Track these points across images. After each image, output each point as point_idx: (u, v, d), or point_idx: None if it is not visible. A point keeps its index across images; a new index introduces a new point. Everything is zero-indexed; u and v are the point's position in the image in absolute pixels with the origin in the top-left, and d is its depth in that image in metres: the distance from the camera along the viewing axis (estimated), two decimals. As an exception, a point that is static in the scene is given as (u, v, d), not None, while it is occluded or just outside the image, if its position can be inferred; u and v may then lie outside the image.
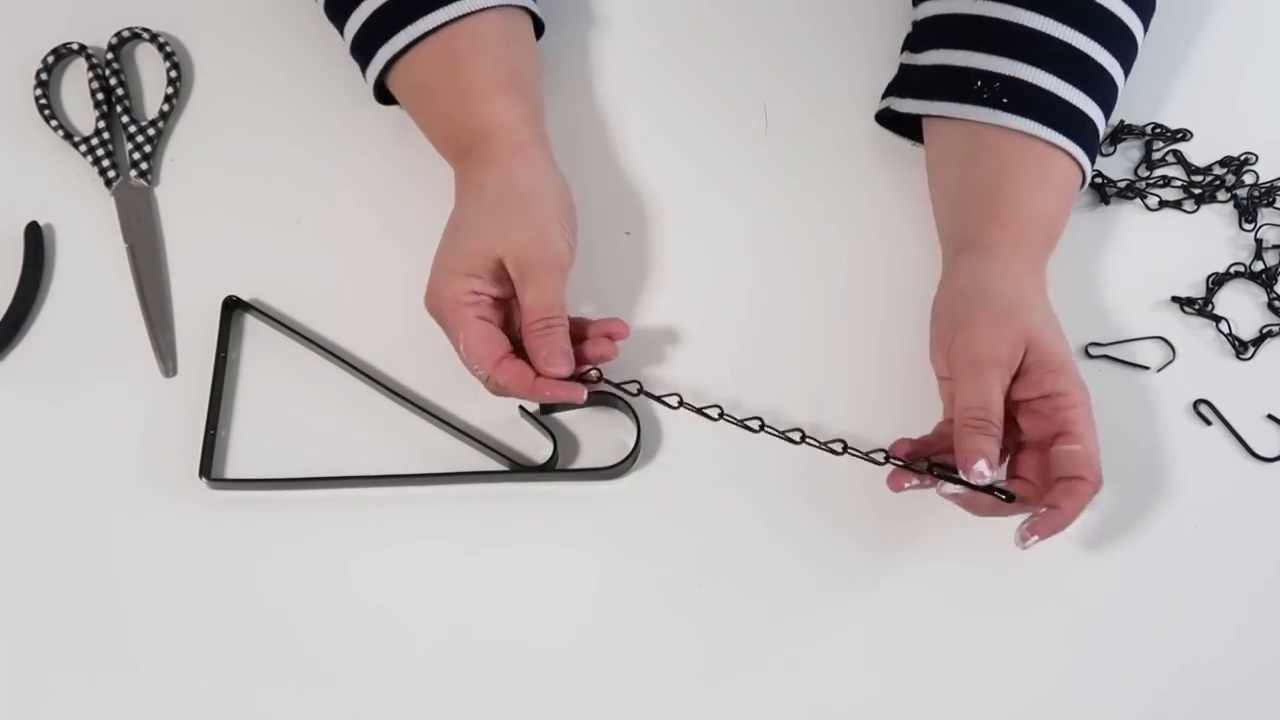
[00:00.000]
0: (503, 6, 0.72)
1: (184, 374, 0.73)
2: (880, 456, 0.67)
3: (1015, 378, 0.65)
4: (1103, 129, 0.72)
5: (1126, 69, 0.73)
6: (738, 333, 0.74)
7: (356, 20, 0.73)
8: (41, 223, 0.77)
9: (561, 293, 0.68)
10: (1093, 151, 0.72)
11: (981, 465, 0.63)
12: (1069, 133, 0.70)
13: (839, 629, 0.67)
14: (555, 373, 0.66)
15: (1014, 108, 0.69)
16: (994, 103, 0.70)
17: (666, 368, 0.73)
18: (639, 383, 0.69)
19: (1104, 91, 0.71)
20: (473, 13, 0.71)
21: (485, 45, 0.72)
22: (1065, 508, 0.63)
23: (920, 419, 0.69)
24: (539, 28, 0.77)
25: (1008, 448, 0.66)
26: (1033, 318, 0.66)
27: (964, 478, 0.64)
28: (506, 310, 0.69)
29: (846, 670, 0.66)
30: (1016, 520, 0.64)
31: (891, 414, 0.70)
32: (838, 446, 0.68)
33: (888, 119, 0.77)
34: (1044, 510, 0.63)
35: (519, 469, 0.70)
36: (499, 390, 0.68)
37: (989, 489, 0.64)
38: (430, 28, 0.71)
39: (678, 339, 0.74)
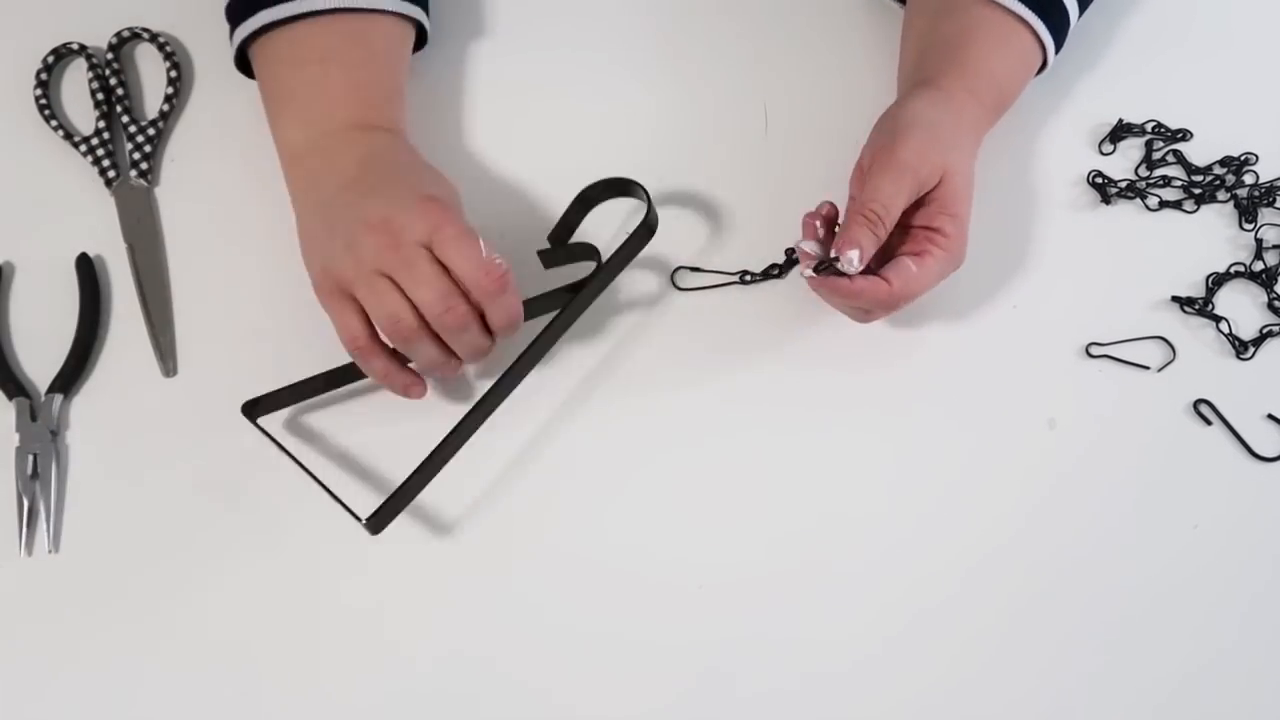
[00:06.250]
0: (398, 14, 0.75)
1: (184, 372, 0.73)
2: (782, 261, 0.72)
3: (919, 203, 0.68)
4: (1074, 19, 0.76)
5: None
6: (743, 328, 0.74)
7: None
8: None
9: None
10: (1058, 37, 0.75)
11: (854, 255, 0.65)
12: (1037, 9, 0.74)
13: (842, 619, 0.67)
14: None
15: None
16: None
17: (668, 361, 0.73)
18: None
19: None
20: (374, 10, 0.74)
21: (393, 44, 0.76)
22: (854, 283, 0.66)
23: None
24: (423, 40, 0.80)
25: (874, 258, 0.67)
26: (957, 155, 0.69)
27: (833, 260, 0.66)
28: None
29: (854, 661, 0.66)
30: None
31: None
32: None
33: None
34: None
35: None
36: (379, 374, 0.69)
37: (829, 264, 0.66)
38: (333, 7, 0.72)
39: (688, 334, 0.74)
